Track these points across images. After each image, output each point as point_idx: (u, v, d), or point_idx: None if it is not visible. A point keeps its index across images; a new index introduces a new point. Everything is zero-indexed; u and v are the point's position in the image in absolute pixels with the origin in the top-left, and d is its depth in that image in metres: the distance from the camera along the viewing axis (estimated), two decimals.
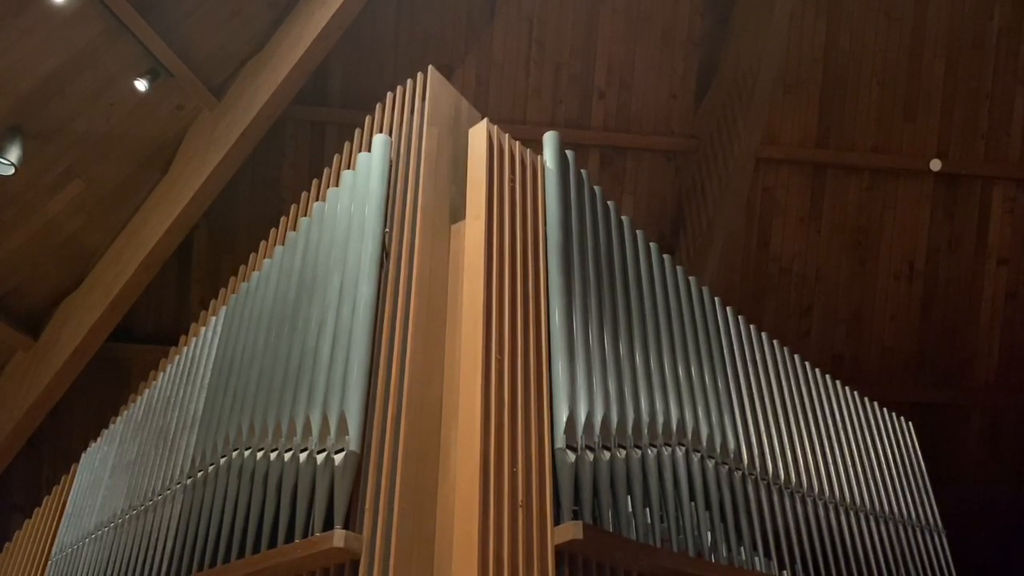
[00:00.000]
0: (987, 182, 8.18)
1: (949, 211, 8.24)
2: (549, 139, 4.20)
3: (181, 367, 4.68)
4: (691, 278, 4.49)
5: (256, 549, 3.32)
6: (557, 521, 3.16)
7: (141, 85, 6.84)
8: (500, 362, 3.43)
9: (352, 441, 3.23)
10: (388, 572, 2.99)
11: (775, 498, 3.96)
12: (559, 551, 3.10)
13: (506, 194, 3.90)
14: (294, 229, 4.37)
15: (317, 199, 4.39)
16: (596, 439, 3.36)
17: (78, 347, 7.21)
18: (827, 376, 4.92)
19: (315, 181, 4.55)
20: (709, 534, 3.59)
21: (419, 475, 3.27)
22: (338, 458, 3.22)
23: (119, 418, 5.21)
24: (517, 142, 4.14)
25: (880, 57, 8.03)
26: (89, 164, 7.12)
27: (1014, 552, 8.32)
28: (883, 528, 4.42)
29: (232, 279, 4.84)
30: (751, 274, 8.26)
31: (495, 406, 3.31)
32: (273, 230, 4.70)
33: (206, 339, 4.58)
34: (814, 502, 4.16)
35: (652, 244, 4.41)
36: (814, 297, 8.35)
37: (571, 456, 3.27)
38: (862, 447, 4.75)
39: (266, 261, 4.38)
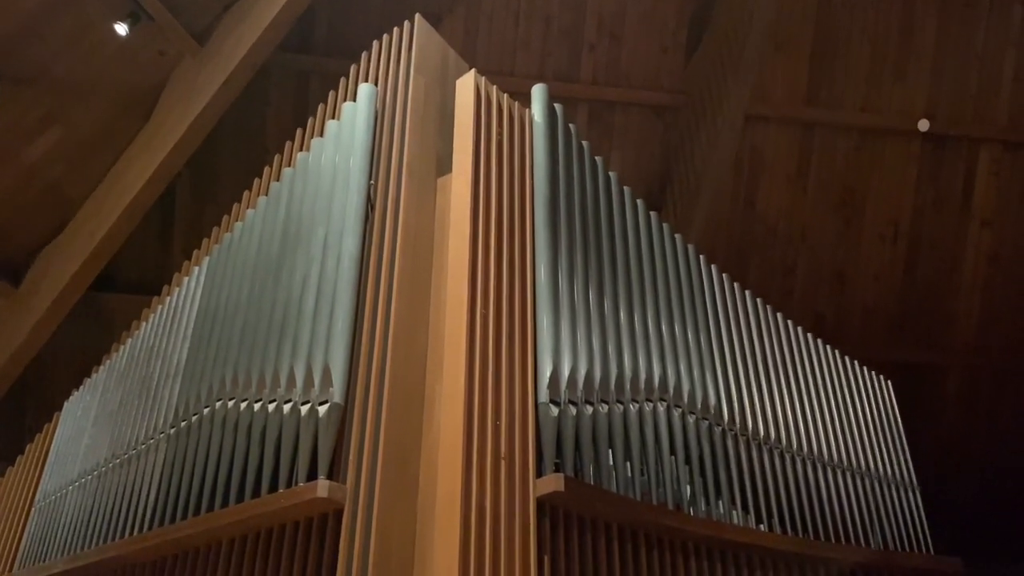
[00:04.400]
0: (974, 144, 8.18)
1: (935, 172, 8.24)
2: (537, 92, 4.15)
3: (164, 317, 4.66)
4: (677, 235, 4.49)
5: (240, 499, 3.35)
6: (539, 474, 3.20)
7: (121, 29, 6.68)
8: (485, 316, 3.44)
9: (336, 393, 3.24)
10: (371, 522, 3.02)
11: (754, 453, 4.02)
12: (541, 503, 3.14)
13: (493, 147, 3.86)
14: (278, 179, 4.33)
15: (301, 149, 4.34)
16: (579, 394, 3.39)
17: (59, 296, 7.15)
18: (809, 335, 4.97)
19: (299, 131, 4.49)
20: (688, 488, 3.64)
21: (403, 427, 3.29)
22: (322, 409, 3.23)
23: (102, 367, 5.20)
24: (505, 94, 4.09)
25: (872, 15, 7.96)
26: (68, 110, 6.98)
27: (986, 508, 8.52)
28: (859, 484, 4.50)
29: (215, 229, 4.80)
30: (736, 232, 8.27)
31: (479, 360, 3.32)
32: (257, 180, 4.65)
33: (189, 289, 4.55)
34: (792, 458, 4.22)
35: (639, 201, 4.40)
36: (798, 256, 8.38)
37: (554, 410, 3.30)
38: (841, 405, 4.81)
39: (249, 212, 4.34)
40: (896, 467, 4.83)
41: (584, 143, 4.26)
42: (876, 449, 4.80)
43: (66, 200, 7.37)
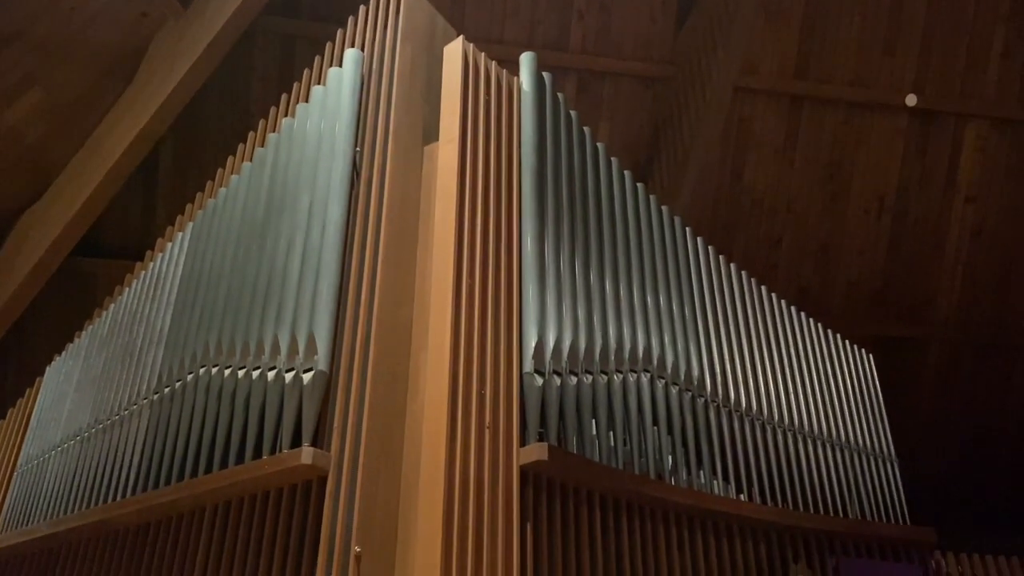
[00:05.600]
0: (961, 119, 8.18)
1: (922, 148, 8.26)
2: (526, 60, 4.11)
3: (147, 283, 4.63)
4: (663, 207, 4.49)
5: (224, 465, 3.35)
6: (523, 443, 3.22)
7: None
8: (471, 286, 3.43)
9: (321, 361, 3.24)
10: (355, 490, 3.04)
11: (735, 424, 4.06)
12: (524, 471, 3.17)
13: (481, 115, 3.84)
14: (262, 145, 4.28)
15: (286, 115, 4.29)
16: (564, 364, 3.40)
17: (41, 260, 7.09)
18: (792, 308, 5.00)
19: (284, 96, 4.44)
20: (670, 458, 3.68)
21: (388, 395, 3.29)
22: (307, 377, 3.23)
23: (84, 333, 5.17)
24: (493, 62, 4.06)
25: None
26: (49, 71, 6.86)
27: (960, 480, 8.66)
28: (838, 455, 4.56)
29: (199, 195, 4.75)
30: (723, 205, 8.27)
31: (465, 329, 3.32)
32: (241, 146, 4.60)
33: (172, 255, 4.52)
34: (773, 429, 4.27)
35: (626, 172, 4.39)
36: (784, 230, 8.40)
37: (539, 380, 3.31)
38: (823, 377, 4.86)
39: (233, 178, 4.30)
40: (875, 439, 4.89)
41: (572, 113, 4.24)
42: (856, 421, 4.86)
43: (47, 163, 7.27)
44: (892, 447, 4.97)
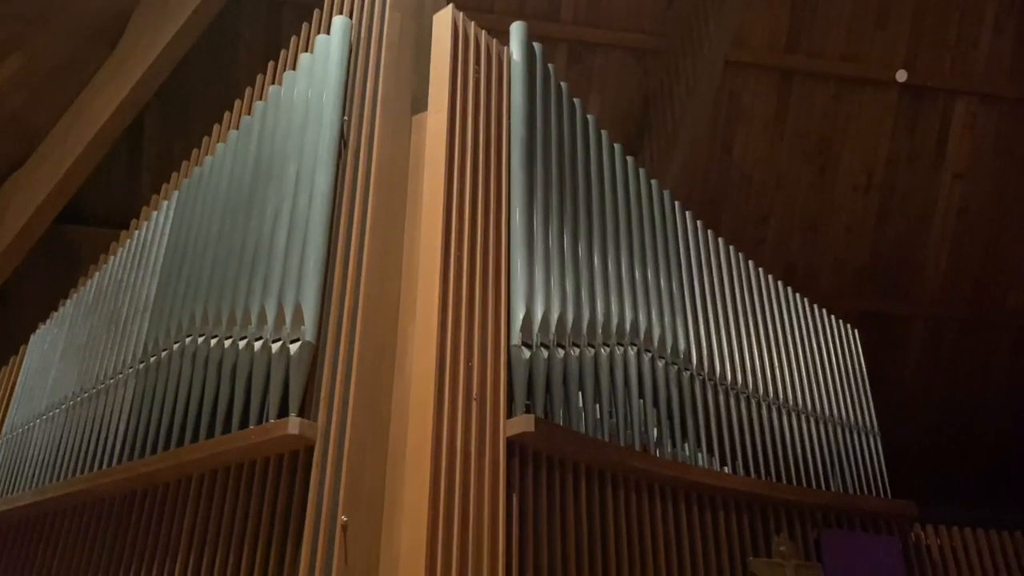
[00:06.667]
0: (950, 95, 8.18)
1: (911, 123, 8.25)
2: (516, 30, 4.07)
3: (132, 251, 4.60)
4: (653, 181, 4.48)
5: (210, 434, 3.35)
6: (510, 414, 3.23)
7: None
8: (459, 258, 3.42)
9: (308, 331, 3.23)
10: (342, 460, 3.05)
11: (721, 398, 4.09)
12: (511, 443, 3.18)
13: (470, 85, 3.80)
14: (249, 113, 4.24)
15: (273, 82, 4.24)
16: (551, 337, 3.41)
17: (25, 227, 7.02)
18: (779, 283, 5.01)
19: (271, 63, 4.39)
20: (655, 430, 3.71)
21: (375, 366, 3.29)
22: (293, 348, 3.22)
23: (69, 301, 5.14)
24: (483, 31, 4.01)
25: None
26: (31, 36, 6.73)
27: (941, 454, 8.77)
28: (822, 429, 4.60)
29: (184, 163, 4.71)
30: (713, 179, 8.26)
31: (453, 301, 3.32)
32: (227, 113, 4.54)
33: (158, 224, 4.48)
34: (758, 403, 4.30)
35: (616, 145, 4.37)
36: (772, 205, 8.40)
37: (526, 353, 3.31)
38: (808, 352, 4.89)
39: (220, 146, 4.26)
40: (858, 414, 4.94)
41: (563, 84, 4.21)
42: (840, 396, 4.90)
43: (30, 129, 7.17)
44: (875, 421, 5.02)
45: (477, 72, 3.85)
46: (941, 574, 4.52)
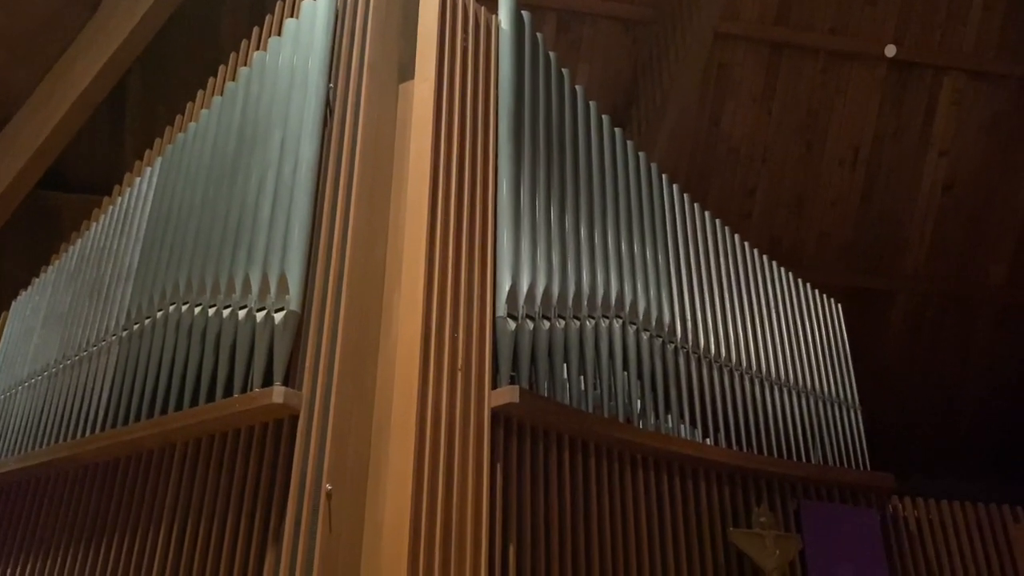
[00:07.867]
0: (938, 72, 8.18)
1: (898, 99, 8.25)
2: None
3: (115, 218, 4.55)
4: (640, 153, 4.47)
5: (194, 402, 3.34)
6: (495, 385, 3.25)
7: None
8: (445, 228, 3.41)
9: (292, 300, 3.22)
10: (327, 429, 3.05)
11: (704, 370, 4.11)
12: (495, 413, 3.19)
13: (458, 53, 3.76)
14: (233, 79, 4.18)
15: (258, 48, 4.18)
16: (536, 309, 3.41)
17: (5, 192, 6.92)
18: (764, 257, 5.03)
19: (256, 29, 4.32)
20: (639, 402, 3.73)
21: (360, 336, 3.29)
22: (278, 317, 3.21)
23: (51, 268, 5.09)
24: None
25: None
26: None
27: (919, 428, 8.89)
28: (803, 402, 4.65)
29: (168, 129, 4.65)
30: (700, 152, 8.24)
31: (439, 271, 3.31)
32: (211, 79, 4.48)
33: (141, 190, 4.44)
34: (741, 376, 4.33)
35: (604, 116, 4.35)
36: (759, 179, 8.41)
37: (511, 324, 3.32)
38: (791, 326, 4.92)
39: (203, 112, 4.20)
40: (839, 387, 4.98)
41: (551, 54, 4.17)
42: (822, 369, 4.94)
43: (10, 93, 7.05)
44: (856, 395, 5.08)
45: (465, 40, 3.82)
46: (919, 545, 4.60)
